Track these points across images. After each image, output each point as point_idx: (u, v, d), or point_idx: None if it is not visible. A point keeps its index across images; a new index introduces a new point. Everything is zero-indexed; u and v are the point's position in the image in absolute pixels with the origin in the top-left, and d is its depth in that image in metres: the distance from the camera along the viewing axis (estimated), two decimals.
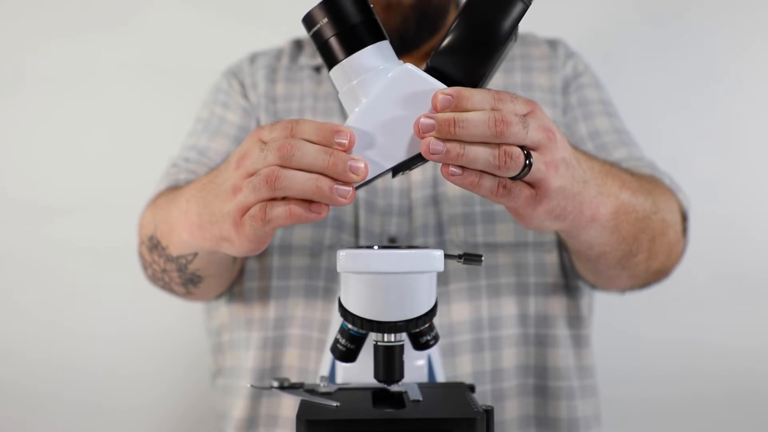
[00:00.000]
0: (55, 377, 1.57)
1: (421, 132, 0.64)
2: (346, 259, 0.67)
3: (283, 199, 0.67)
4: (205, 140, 1.14)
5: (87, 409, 1.57)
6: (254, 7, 1.60)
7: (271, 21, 1.52)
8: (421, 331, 0.71)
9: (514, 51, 1.19)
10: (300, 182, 0.65)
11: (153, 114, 1.59)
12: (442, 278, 1.03)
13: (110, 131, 1.60)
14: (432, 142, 0.64)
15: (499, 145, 0.65)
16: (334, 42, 0.66)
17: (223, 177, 0.74)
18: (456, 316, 1.02)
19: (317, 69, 1.19)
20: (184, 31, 1.61)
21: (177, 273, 0.99)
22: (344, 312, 0.69)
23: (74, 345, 1.57)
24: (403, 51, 1.13)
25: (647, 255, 0.95)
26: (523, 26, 1.24)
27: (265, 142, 0.68)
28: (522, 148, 0.66)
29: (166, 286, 1.05)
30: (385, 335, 0.69)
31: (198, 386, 1.22)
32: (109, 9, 1.62)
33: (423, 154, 0.64)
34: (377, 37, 0.67)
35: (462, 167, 0.65)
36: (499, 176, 0.66)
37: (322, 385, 0.77)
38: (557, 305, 1.07)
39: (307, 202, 0.66)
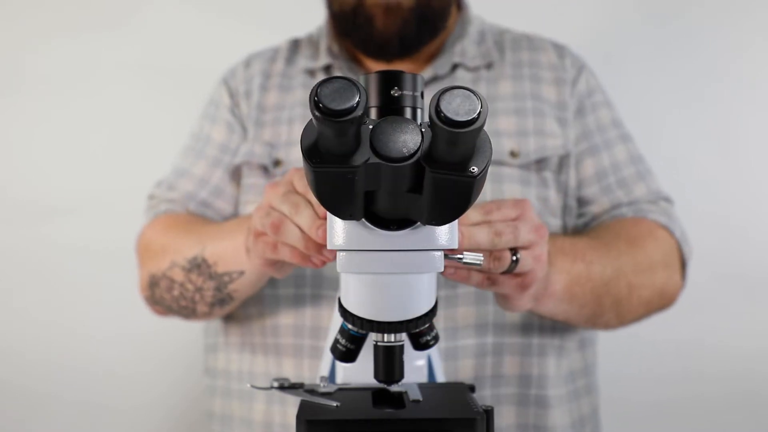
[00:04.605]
0: (55, 377, 1.57)
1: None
2: (345, 259, 0.66)
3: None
4: (188, 163, 1.18)
5: (87, 409, 1.57)
6: (254, 7, 1.60)
7: (271, 21, 1.52)
8: (421, 331, 0.71)
9: (522, 55, 1.18)
10: (293, 239, 0.77)
11: (153, 114, 1.59)
12: (451, 281, 1.02)
13: (110, 131, 1.60)
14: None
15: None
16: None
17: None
18: (462, 320, 1.02)
19: (311, 72, 1.18)
20: (184, 31, 1.61)
21: (213, 291, 1.01)
22: (344, 312, 0.69)
23: (74, 345, 1.57)
24: (403, 54, 1.12)
25: (615, 314, 1.02)
26: (527, 27, 1.26)
27: (294, 192, 0.79)
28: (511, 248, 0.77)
29: (188, 306, 1.04)
30: (385, 335, 0.69)
31: (198, 386, 1.21)
32: (109, 9, 1.62)
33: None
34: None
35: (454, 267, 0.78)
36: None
37: (322, 385, 0.77)
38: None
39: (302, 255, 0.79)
